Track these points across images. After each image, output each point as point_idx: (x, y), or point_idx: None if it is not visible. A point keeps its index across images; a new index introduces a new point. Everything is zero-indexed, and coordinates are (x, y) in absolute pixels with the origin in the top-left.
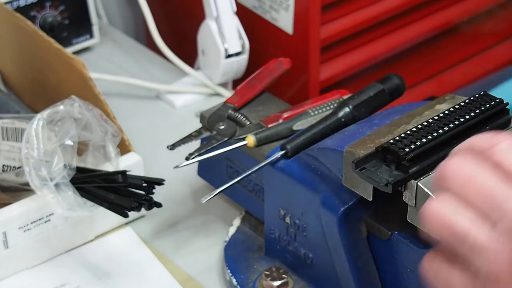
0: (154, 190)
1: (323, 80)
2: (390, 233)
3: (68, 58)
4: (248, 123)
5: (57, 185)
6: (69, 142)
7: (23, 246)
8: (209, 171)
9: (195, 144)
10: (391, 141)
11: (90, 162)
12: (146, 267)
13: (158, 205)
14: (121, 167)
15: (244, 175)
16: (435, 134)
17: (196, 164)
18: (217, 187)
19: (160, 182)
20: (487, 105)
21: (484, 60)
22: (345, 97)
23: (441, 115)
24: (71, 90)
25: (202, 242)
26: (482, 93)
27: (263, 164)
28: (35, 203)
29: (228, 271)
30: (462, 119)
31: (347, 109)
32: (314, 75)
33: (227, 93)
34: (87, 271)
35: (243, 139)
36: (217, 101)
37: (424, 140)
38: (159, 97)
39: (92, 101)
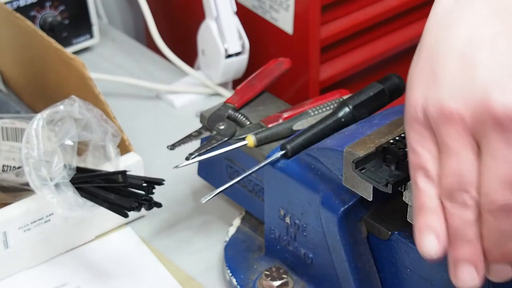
0: (154, 190)
1: (323, 80)
2: (390, 233)
3: (68, 58)
4: (248, 123)
5: (57, 185)
6: (69, 142)
7: (23, 246)
8: (209, 171)
9: (195, 144)
10: (391, 141)
11: (90, 162)
12: (146, 267)
13: (158, 205)
14: (121, 167)
15: (244, 175)
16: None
17: (196, 164)
18: (217, 187)
19: (160, 182)
20: None
21: None
22: (345, 97)
23: None
24: (71, 90)
25: (202, 242)
26: None
27: (263, 164)
28: (35, 203)
29: (228, 271)
30: None
31: (347, 109)
32: (314, 75)
33: (227, 93)
34: (87, 271)
35: (243, 139)
36: (217, 101)
37: None
38: (159, 97)
39: (92, 101)
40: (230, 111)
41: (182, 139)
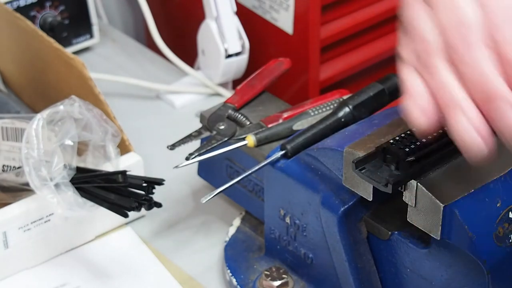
0: (154, 190)
1: (323, 80)
2: (390, 233)
3: (68, 58)
4: (248, 123)
5: (57, 185)
6: (69, 142)
7: (23, 246)
8: (209, 171)
9: (195, 144)
10: (391, 141)
11: (90, 162)
12: (146, 267)
13: (158, 205)
14: (121, 167)
15: (244, 175)
16: (435, 134)
17: (196, 164)
18: (217, 187)
19: (160, 182)
20: None
21: None
22: (345, 97)
23: None
24: (71, 90)
25: (202, 242)
26: None
27: (263, 164)
28: (35, 203)
29: (228, 271)
30: None
31: (347, 109)
32: (314, 75)
33: (227, 93)
34: (87, 271)
35: (243, 139)
36: (217, 101)
37: (424, 140)
38: (159, 97)
39: (92, 101)
40: (230, 111)
41: (182, 139)
